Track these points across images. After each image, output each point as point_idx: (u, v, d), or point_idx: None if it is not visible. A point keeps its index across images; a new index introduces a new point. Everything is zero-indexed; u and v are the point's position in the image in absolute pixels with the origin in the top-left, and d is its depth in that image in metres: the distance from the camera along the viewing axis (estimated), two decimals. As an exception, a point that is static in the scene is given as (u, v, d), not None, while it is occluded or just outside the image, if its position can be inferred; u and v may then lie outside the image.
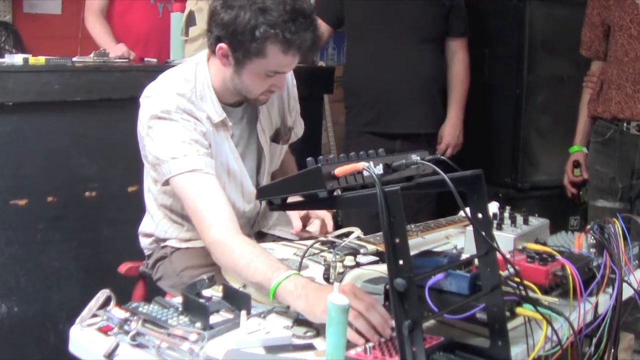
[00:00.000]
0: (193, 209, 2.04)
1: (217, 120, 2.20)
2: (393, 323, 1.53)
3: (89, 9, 3.78)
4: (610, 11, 3.17)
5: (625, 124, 3.13)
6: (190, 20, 3.56)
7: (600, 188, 3.28)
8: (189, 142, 2.09)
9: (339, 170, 1.44)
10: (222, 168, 2.23)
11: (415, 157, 1.53)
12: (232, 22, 2.05)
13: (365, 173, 1.44)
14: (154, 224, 2.37)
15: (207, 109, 2.19)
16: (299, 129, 2.53)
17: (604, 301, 1.87)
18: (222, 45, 2.11)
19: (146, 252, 2.47)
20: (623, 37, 3.11)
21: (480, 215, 1.55)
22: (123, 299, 1.72)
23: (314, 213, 2.36)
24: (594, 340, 1.86)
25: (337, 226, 2.40)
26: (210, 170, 2.08)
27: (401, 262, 1.31)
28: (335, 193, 1.50)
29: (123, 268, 2.56)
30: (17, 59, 2.83)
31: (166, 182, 2.11)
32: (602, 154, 3.26)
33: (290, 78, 2.44)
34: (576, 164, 3.43)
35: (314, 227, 2.31)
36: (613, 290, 1.87)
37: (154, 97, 2.17)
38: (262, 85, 2.15)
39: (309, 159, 1.47)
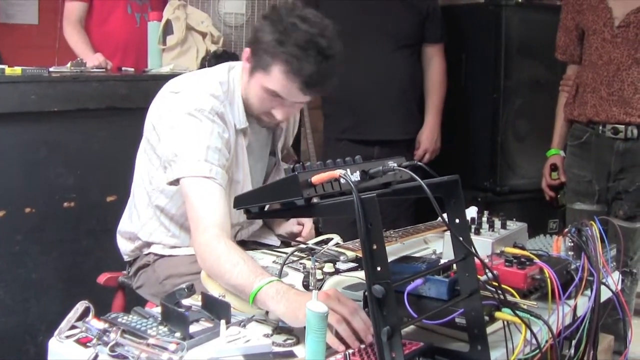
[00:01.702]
0: (194, 210, 2.03)
1: (240, 128, 2.22)
2: None
3: (67, 18, 3.77)
4: (584, 15, 3.20)
5: (600, 127, 3.16)
6: (168, 29, 3.55)
7: (577, 191, 3.30)
8: (214, 149, 2.09)
9: (315, 178, 1.44)
10: (234, 170, 2.24)
11: (392, 164, 1.53)
12: (261, 30, 2.10)
13: (342, 180, 1.44)
14: (140, 224, 2.35)
15: (234, 114, 2.21)
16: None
17: (583, 303, 1.89)
18: (247, 49, 2.16)
19: (126, 259, 2.45)
20: (597, 41, 3.15)
21: (457, 221, 1.56)
22: (103, 310, 1.71)
23: (301, 219, 2.44)
24: (574, 342, 1.88)
25: (317, 232, 2.41)
26: (222, 182, 2.08)
27: (379, 268, 1.31)
28: (313, 200, 1.50)
29: (102, 278, 2.55)
30: (-8, 69, 2.82)
31: (175, 181, 2.10)
32: (578, 157, 3.29)
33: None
34: (554, 167, 3.45)
35: (305, 231, 2.42)
36: (591, 293, 1.89)
37: (187, 94, 2.17)
38: (263, 102, 2.17)
39: (285, 167, 1.47)
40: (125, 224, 2.42)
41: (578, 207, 3.29)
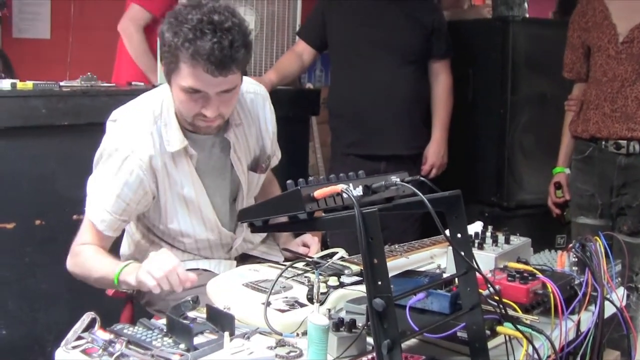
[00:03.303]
0: (75, 240, 2.24)
1: (177, 149, 2.20)
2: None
3: (133, 19, 3.80)
4: (590, 33, 3.21)
5: (603, 142, 3.17)
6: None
7: (580, 205, 3.31)
8: (115, 196, 2.16)
9: (318, 193, 1.46)
10: (177, 197, 2.26)
11: (394, 179, 1.55)
12: (161, 36, 2.09)
13: (345, 195, 1.46)
14: (133, 244, 2.39)
15: (170, 136, 2.20)
16: (278, 154, 2.56)
17: (587, 319, 1.89)
18: (162, 64, 2.15)
19: None
20: (602, 58, 3.16)
21: (459, 235, 1.57)
22: (111, 322, 1.73)
23: (307, 237, 2.46)
24: (578, 358, 1.88)
25: (325, 246, 2.42)
26: (108, 231, 2.20)
27: (380, 282, 1.32)
28: (316, 215, 1.52)
29: (111, 291, 2.56)
30: (4, 84, 2.85)
31: None
32: (582, 172, 3.30)
33: (267, 105, 2.45)
34: (558, 186, 3.47)
35: (313, 250, 2.43)
36: (595, 308, 1.89)
37: (118, 127, 2.22)
38: (188, 105, 2.13)
39: (288, 181, 1.49)
40: (123, 249, 2.48)
41: (582, 221, 3.30)
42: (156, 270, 1.94)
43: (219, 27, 2.00)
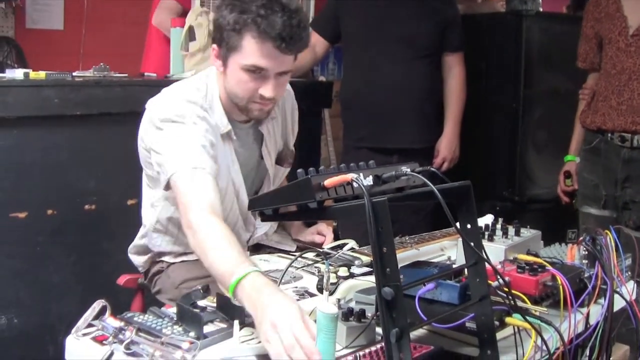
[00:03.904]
0: (184, 197, 2.00)
1: (224, 132, 2.22)
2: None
3: (170, 9, 3.88)
4: (602, 24, 3.22)
5: (609, 135, 3.18)
6: (190, 35, 3.59)
7: (586, 195, 3.33)
8: (199, 146, 2.09)
9: (328, 182, 1.46)
10: (225, 175, 2.24)
11: (405, 169, 1.55)
12: (220, 18, 2.10)
13: (355, 184, 1.46)
14: (148, 238, 2.39)
15: (215, 119, 2.21)
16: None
17: (596, 312, 1.88)
18: (215, 46, 2.16)
19: (141, 270, 2.49)
20: (612, 50, 3.16)
21: (469, 226, 1.57)
22: (122, 311, 1.73)
23: (322, 226, 2.47)
24: (587, 351, 1.88)
25: (335, 238, 2.43)
26: (212, 172, 2.05)
27: (388, 270, 1.33)
28: (326, 203, 1.52)
29: (122, 280, 2.58)
30: (17, 73, 2.86)
31: (168, 185, 2.08)
32: (588, 162, 3.32)
33: (292, 101, 2.49)
34: (567, 175, 3.46)
35: (328, 239, 2.44)
36: (605, 301, 1.89)
37: (165, 103, 2.19)
38: (246, 86, 2.14)
39: (299, 170, 1.49)
40: (136, 241, 2.48)
41: (586, 211, 3.32)
42: (275, 339, 1.48)
43: (287, 7, 2.06)
